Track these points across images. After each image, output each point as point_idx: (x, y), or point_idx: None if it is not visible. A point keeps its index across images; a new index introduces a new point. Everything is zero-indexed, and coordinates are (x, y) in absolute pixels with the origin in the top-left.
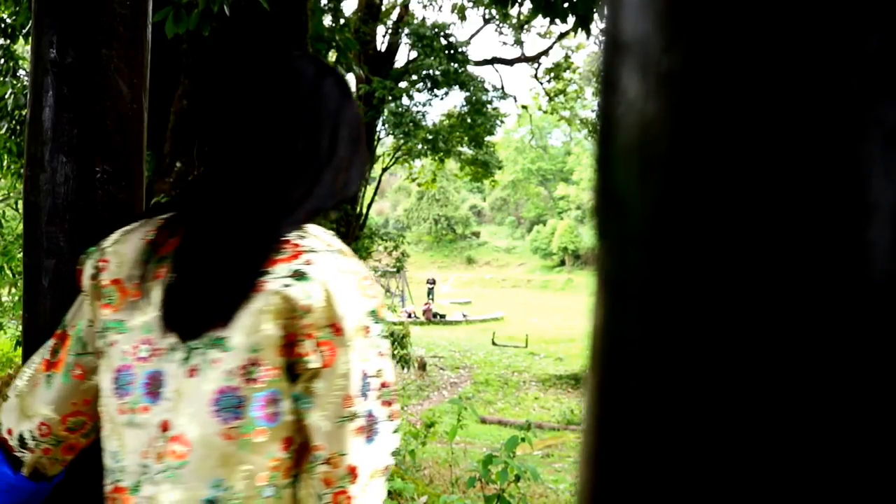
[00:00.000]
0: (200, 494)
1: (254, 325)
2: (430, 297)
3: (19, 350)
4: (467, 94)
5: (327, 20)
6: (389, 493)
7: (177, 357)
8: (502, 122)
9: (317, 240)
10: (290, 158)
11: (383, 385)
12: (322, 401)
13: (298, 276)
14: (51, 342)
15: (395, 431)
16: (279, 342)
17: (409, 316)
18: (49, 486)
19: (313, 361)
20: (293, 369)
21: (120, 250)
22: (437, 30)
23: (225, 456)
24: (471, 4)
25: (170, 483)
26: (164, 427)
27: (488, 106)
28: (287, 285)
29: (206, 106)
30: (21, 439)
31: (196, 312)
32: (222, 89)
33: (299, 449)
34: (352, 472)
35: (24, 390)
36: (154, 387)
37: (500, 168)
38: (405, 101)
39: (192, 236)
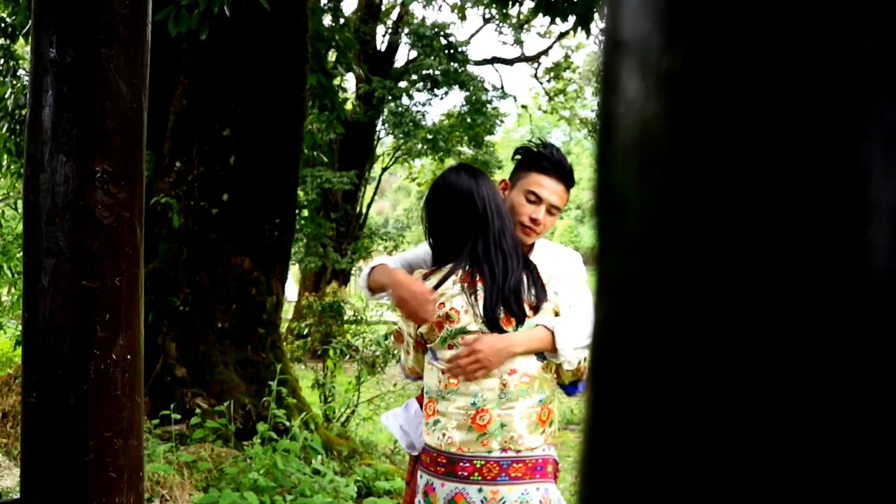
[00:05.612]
0: (539, 398)
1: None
2: None
3: (19, 350)
4: (467, 93)
5: (327, 20)
6: (389, 491)
7: None
8: (502, 121)
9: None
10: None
11: None
12: None
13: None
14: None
15: None
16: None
17: None
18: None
19: None
20: None
21: (448, 291)
22: (436, 29)
23: (545, 379)
24: (470, 4)
25: (522, 398)
26: (511, 372)
27: (488, 105)
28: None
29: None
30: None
31: (521, 314)
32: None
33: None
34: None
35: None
36: None
37: (500, 168)
38: (405, 100)
39: (491, 278)
